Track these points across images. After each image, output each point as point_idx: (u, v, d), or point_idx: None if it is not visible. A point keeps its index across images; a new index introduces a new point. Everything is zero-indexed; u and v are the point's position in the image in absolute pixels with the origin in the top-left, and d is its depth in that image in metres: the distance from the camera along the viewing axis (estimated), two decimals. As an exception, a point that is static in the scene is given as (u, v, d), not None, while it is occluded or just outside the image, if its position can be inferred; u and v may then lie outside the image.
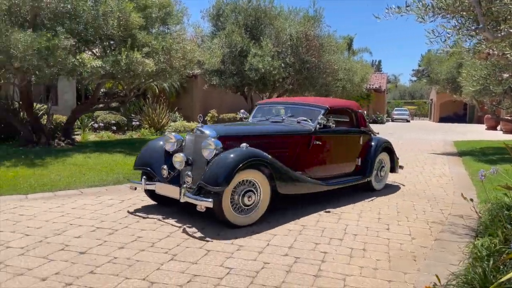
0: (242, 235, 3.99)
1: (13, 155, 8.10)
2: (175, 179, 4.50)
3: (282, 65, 12.26)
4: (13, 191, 5.48)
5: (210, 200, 3.94)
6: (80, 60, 8.20)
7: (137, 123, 15.53)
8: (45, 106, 11.65)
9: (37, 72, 8.33)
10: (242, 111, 6.12)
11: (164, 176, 4.53)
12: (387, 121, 37.24)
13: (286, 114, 5.76)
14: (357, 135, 6.00)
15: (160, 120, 15.45)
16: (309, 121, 5.38)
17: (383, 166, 6.29)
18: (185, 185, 4.19)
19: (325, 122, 5.29)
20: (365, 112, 6.43)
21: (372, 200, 5.68)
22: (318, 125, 5.27)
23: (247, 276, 3.07)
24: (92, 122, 14.74)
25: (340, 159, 5.70)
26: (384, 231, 4.30)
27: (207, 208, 3.96)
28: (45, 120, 10.61)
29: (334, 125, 5.38)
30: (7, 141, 10.36)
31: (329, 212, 4.96)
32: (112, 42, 9.45)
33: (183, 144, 4.71)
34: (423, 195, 6.14)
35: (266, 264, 3.31)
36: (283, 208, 4.96)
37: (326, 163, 5.48)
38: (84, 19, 8.58)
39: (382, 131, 21.81)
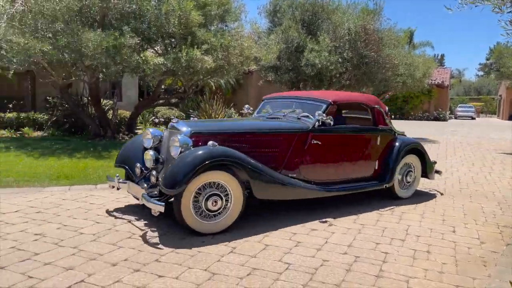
0: (300, 231, 3.98)
1: (83, 147, 8.66)
2: (148, 178, 4.15)
3: (340, 60, 12.01)
4: (84, 181, 5.86)
5: (162, 204, 3.60)
6: (143, 57, 8.58)
7: (195, 118, 16.00)
8: (111, 102, 12.34)
9: (104, 69, 8.82)
10: (246, 106, 5.58)
11: (138, 174, 4.24)
12: (450, 118, 35.32)
13: (291, 109, 5.15)
14: (373, 134, 5.18)
15: (217, 116, 15.78)
16: (311, 117, 4.71)
17: (410, 171, 5.44)
18: (145, 185, 3.93)
19: (324, 118, 4.58)
20: (386, 108, 5.45)
21: (435, 200, 5.43)
22: (317, 122, 4.61)
23: (306, 272, 3.06)
24: (153, 117, 15.38)
25: (350, 161, 4.96)
26: (450, 233, 4.09)
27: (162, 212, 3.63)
28: (111, 115, 11.23)
29: (332, 122, 4.60)
30: (77, 134, 11.11)
31: (392, 209, 4.82)
32: (173, 40, 9.76)
33: (162, 140, 4.37)
34: (492, 197, 5.77)
35: (325, 261, 3.28)
36: (339, 205, 4.89)
37: (329, 165, 4.78)
38: (147, 18, 8.95)
39: (443, 128, 20.77)
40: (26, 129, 11.02)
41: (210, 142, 3.88)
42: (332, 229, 4.09)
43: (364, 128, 5.25)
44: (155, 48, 10.30)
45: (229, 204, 3.84)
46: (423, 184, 6.24)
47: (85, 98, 11.36)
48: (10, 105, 12.56)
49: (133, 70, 9.02)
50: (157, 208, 3.59)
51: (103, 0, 8.31)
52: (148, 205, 3.67)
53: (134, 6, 8.75)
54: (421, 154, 5.57)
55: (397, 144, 5.32)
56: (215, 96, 16.78)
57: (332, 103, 4.90)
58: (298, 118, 4.81)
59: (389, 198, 5.30)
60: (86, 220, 4.14)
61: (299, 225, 4.17)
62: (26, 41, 7.61)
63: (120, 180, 4.29)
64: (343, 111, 5.53)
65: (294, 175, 4.47)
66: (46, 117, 11.77)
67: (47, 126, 11.50)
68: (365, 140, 5.13)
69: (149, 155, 4.15)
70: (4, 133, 10.89)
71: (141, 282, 2.81)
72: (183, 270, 3.03)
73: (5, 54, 8.13)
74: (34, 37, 7.88)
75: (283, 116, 5.02)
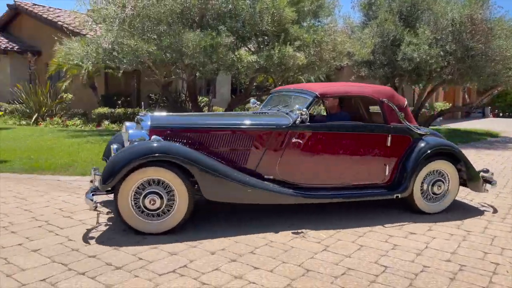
0: (397, 234, 3.80)
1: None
2: None
3: (441, 53, 11.18)
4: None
5: (91, 199, 3.48)
6: (238, 56, 8.86)
7: (256, 104, 16.15)
8: (206, 98, 12.98)
9: (201, 68, 9.29)
10: (252, 100, 5.07)
11: None
12: None
13: (287, 103, 4.58)
14: (381, 133, 4.31)
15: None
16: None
17: (439, 180, 4.43)
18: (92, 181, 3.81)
19: (303, 115, 3.96)
20: (403, 103, 4.55)
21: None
22: (299, 118, 3.99)
23: (404, 277, 2.92)
24: (244, 114, 15.84)
25: (347, 165, 4.23)
26: None
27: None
28: (206, 111, 11.82)
29: (306, 118, 3.97)
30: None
31: (504, 218, 4.38)
32: (266, 38, 9.94)
33: None
34: None
35: (425, 267, 3.09)
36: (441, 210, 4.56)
37: (317, 168, 4.14)
38: (242, 17, 9.22)
39: None
40: (132, 123, 12.08)
41: (154, 137, 3.69)
42: (432, 233, 3.84)
43: (366, 126, 4.37)
44: (249, 46, 10.58)
45: (174, 203, 3.59)
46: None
47: (183, 95, 12.11)
48: (119, 102, 13.87)
49: (228, 68, 9.37)
50: (88, 204, 3.52)
51: (202, 2, 8.75)
52: (85, 202, 3.61)
53: (230, 6, 9.08)
54: (457, 160, 4.50)
55: (419, 146, 4.37)
56: (305, 93, 16.75)
57: (319, 96, 4.25)
58: (286, 114, 4.22)
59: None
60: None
61: (396, 227, 3.98)
62: (135, 43, 8.32)
63: (97, 173, 3.82)
64: (352, 106, 4.92)
65: (271, 177, 4.00)
66: (149, 112, 12.79)
67: (150, 121, 12.46)
68: (369, 141, 4.29)
69: (112, 148, 3.96)
70: (114, 126, 12.07)
71: (238, 272, 2.92)
72: (277, 264, 3.08)
73: (116, 55, 8.97)
74: (141, 39, 8.59)
75: (278, 110, 4.46)
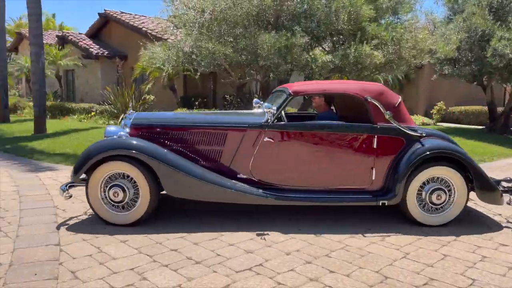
0: (486, 245, 3.52)
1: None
2: None
3: (538, 48, 10.13)
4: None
5: (63, 190, 3.82)
6: (312, 56, 8.79)
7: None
8: (279, 99, 13.06)
9: (275, 69, 9.36)
10: (255, 100, 4.60)
11: None
12: None
13: (277, 101, 4.29)
14: (365, 134, 3.97)
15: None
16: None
17: (439, 189, 3.94)
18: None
19: (272, 113, 3.87)
20: (394, 100, 4.12)
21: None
22: (272, 117, 3.90)
23: (495, 292, 2.69)
24: (317, 114, 15.68)
25: (325, 166, 3.98)
26: None
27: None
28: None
29: (270, 118, 3.88)
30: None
31: None
32: (341, 37, 9.73)
33: None
34: None
35: (520, 283, 2.82)
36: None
37: (292, 169, 3.96)
38: (317, 17, 9.11)
39: None
40: (208, 123, 12.55)
41: (121, 133, 3.92)
42: (528, 247, 3.50)
43: (347, 126, 4.02)
44: (323, 46, 10.44)
45: (139, 197, 3.73)
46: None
47: (257, 96, 12.29)
48: (196, 102, 14.47)
49: (302, 69, 9.32)
50: (60, 194, 3.86)
51: (277, 3, 8.81)
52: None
53: (305, 6, 9.04)
54: (462, 167, 3.95)
55: (412, 149, 3.93)
56: (381, 93, 16.14)
57: (292, 93, 4.03)
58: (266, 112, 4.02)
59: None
60: (260, 208, 4.47)
61: (485, 238, 3.69)
62: (212, 46, 8.62)
63: None
64: (348, 105, 4.62)
65: (244, 177, 3.94)
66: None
67: (224, 121, 12.87)
68: (352, 141, 3.97)
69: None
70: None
71: (313, 274, 2.90)
72: (353, 268, 3.01)
73: (195, 58, 9.36)
74: (218, 42, 8.87)
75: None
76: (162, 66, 11.92)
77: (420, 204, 3.95)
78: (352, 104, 4.43)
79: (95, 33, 19.91)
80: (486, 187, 3.95)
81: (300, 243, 3.47)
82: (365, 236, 3.66)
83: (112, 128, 4.30)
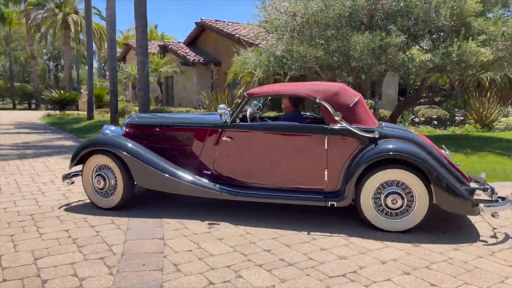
0: None
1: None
2: None
3: None
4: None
5: (64, 176, 4.74)
6: (409, 55, 8.35)
7: (461, 118, 14.47)
8: (371, 101, 12.60)
9: (367, 70, 9.07)
10: (221, 106, 4.52)
11: None
12: None
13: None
14: (316, 135, 3.95)
15: (488, 115, 13.80)
16: (252, 111, 4.54)
17: (395, 193, 3.70)
18: None
19: (226, 114, 4.40)
20: (348, 101, 3.99)
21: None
22: (226, 118, 4.30)
23: None
24: (413, 117, 14.81)
25: (277, 166, 4.07)
26: None
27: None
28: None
29: (228, 116, 4.31)
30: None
31: None
32: (442, 34, 9.11)
33: None
34: None
35: None
36: None
37: (247, 167, 4.17)
38: (415, 15, 8.64)
39: None
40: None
41: (107, 131, 4.73)
42: None
43: (299, 126, 4.09)
44: (421, 45, 9.86)
45: (115, 185, 4.37)
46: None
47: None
48: (286, 106, 14.60)
49: (397, 69, 8.90)
50: (63, 180, 4.77)
51: (371, 2, 8.54)
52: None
53: (401, 4, 8.62)
54: (422, 172, 3.65)
55: (365, 151, 3.81)
56: (488, 93, 14.72)
57: (247, 95, 4.31)
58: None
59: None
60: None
61: None
62: (303, 49, 8.64)
63: None
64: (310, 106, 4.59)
65: (209, 173, 4.31)
66: (312, 116, 13.16)
67: (314, 124, 12.79)
68: (304, 142, 3.99)
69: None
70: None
71: (412, 286, 2.75)
72: (458, 283, 2.79)
73: (286, 62, 9.46)
74: (309, 45, 8.87)
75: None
76: (253, 71, 12.27)
77: (378, 208, 3.80)
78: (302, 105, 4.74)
79: (192, 41, 21.19)
80: (449, 195, 3.62)
81: (397, 252, 3.32)
82: (470, 249, 3.37)
83: (111, 127, 4.93)
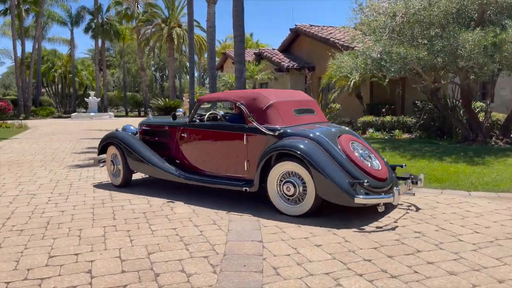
0: None
1: (452, 151, 8.50)
2: None
3: None
4: (455, 186, 5.73)
5: (98, 160, 6.43)
6: (528, 52, 7.46)
7: None
8: (481, 103, 11.49)
9: (478, 70, 8.30)
10: (179, 110, 6.19)
11: None
12: None
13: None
14: (238, 133, 4.90)
15: None
16: (218, 113, 5.78)
17: (288, 182, 4.36)
18: None
19: (178, 115, 5.89)
20: (262, 105, 4.81)
21: None
22: (188, 119, 5.60)
23: None
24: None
25: (215, 157, 5.18)
26: None
27: None
28: (482, 118, 10.46)
29: (182, 118, 5.81)
30: (444, 137, 11.03)
31: None
32: None
33: None
34: None
35: None
36: None
37: (197, 157, 5.37)
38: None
39: None
40: (397, 131, 11.97)
41: (129, 128, 6.38)
42: None
43: (227, 125, 5.17)
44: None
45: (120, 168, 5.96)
46: None
47: (454, 101, 11.11)
48: (383, 110, 14.01)
49: (513, 68, 8.02)
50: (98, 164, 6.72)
51: (483, -4, 7.82)
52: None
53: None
54: (309, 164, 4.20)
55: (268, 145, 4.61)
56: None
57: (196, 101, 5.75)
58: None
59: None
60: (463, 227, 4.02)
61: None
62: (404, 50, 8.22)
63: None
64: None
65: (178, 161, 5.52)
66: (414, 120, 12.40)
67: (414, 129, 12.07)
68: (229, 139, 5.03)
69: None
70: (378, 134, 12.27)
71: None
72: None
73: (384, 64, 9.10)
74: (410, 46, 8.41)
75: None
76: (349, 74, 12.01)
77: (279, 194, 4.48)
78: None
79: (286, 48, 21.44)
80: (326, 186, 4.11)
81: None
82: None
83: (130, 126, 6.46)
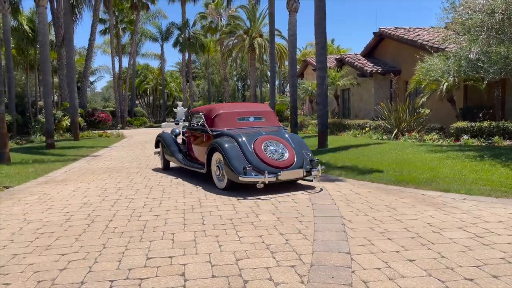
0: None
1: None
2: None
3: None
4: None
5: (155, 152, 9.90)
6: None
7: None
8: None
9: None
10: (177, 118, 8.64)
11: None
12: None
13: None
14: (204, 133, 7.35)
15: None
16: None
17: (218, 166, 6.58)
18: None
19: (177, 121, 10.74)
20: (210, 115, 7.37)
21: None
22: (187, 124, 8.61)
23: None
24: None
25: (199, 151, 7.55)
26: None
27: None
28: None
29: (195, 124, 8.05)
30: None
31: None
32: None
33: None
34: None
35: None
36: None
37: (193, 151, 7.94)
38: None
39: None
40: (496, 138, 10.91)
41: (175, 130, 9.09)
42: None
43: (199, 128, 7.62)
44: None
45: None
46: None
47: None
48: (480, 114, 12.89)
49: None
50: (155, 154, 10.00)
51: None
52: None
53: None
54: (222, 152, 6.36)
55: (210, 143, 6.90)
56: None
57: (190, 112, 8.71)
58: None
59: None
60: None
61: None
62: (505, 49, 7.51)
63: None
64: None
65: (187, 153, 8.31)
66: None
67: (519, 135, 10.90)
68: (200, 137, 7.56)
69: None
70: (474, 141, 11.29)
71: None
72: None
73: (481, 65, 8.38)
74: (513, 44, 7.66)
75: None
76: (440, 78, 11.26)
77: (215, 175, 6.70)
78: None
79: (369, 52, 20.79)
80: (228, 168, 6.25)
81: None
82: None
83: (176, 129, 9.05)
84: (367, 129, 15.99)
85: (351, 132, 16.49)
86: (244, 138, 6.43)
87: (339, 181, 7.01)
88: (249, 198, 5.86)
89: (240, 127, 6.94)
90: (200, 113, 7.53)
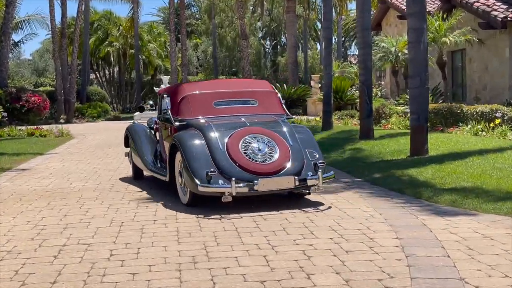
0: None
1: None
2: None
3: None
4: None
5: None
6: None
7: None
8: None
9: None
10: (148, 101, 4.24)
11: None
12: None
13: None
14: (170, 125, 5.53)
15: None
16: None
17: (180, 172, 4.91)
18: None
19: (145, 108, 9.68)
20: (176, 98, 5.48)
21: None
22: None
23: None
24: None
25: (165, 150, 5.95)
26: None
27: None
28: None
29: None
30: None
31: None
32: None
33: None
34: None
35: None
36: None
37: (164, 151, 6.03)
38: None
39: None
40: None
41: (149, 119, 7.09)
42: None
43: (167, 118, 5.55)
44: None
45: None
46: None
47: None
48: None
49: None
50: None
51: None
52: None
53: None
54: (182, 152, 4.81)
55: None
56: None
57: (158, 94, 7.80)
58: None
59: None
60: None
61: None
62: None
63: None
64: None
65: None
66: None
67: None
68: (167, 130, 5.76)
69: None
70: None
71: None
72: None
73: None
74: None
75: None
76: None
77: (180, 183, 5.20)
78: None
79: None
80: (185, 169, 4.76)
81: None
82: None
83: (155, 118, 6.55)
84: (497, 121, 9.78)
85: (469, 126, 10.03)
86: (215, 131, 4.84)
87: (452, 215, 4.30)
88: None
89: (216, 115, 5.24)
90: (165, 95, 5.74)
